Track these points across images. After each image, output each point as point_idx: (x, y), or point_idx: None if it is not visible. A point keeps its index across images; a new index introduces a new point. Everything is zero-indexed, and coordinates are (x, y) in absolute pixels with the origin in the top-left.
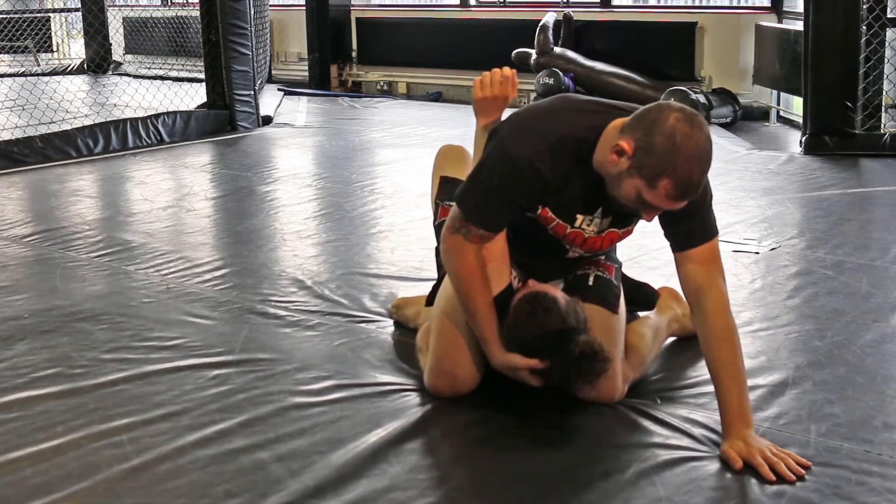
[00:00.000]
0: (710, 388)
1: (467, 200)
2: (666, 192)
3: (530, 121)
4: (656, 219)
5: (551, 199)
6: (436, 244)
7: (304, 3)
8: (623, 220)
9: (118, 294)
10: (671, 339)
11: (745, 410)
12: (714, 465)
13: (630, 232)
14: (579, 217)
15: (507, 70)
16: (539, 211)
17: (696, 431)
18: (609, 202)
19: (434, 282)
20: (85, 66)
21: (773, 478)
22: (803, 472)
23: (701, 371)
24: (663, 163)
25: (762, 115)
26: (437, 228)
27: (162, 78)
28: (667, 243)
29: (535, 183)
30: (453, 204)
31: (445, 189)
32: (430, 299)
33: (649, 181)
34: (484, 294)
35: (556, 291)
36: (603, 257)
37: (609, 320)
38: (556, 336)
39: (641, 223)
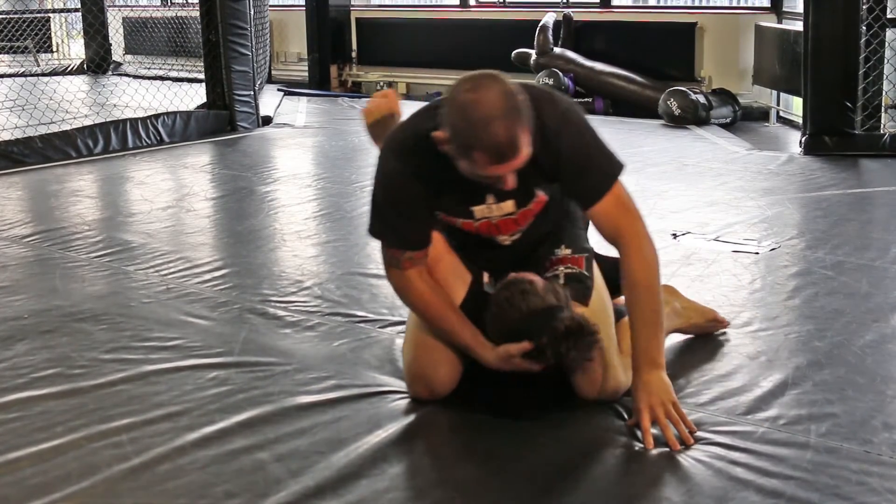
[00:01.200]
0: (712, 390)
1: (375, 228)
2: (484, 163)
3: (394, 133)
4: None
5: (439, 201)
6: None
7: (304, 3)
8: (524, 196)
9: (118, 294)
10: (683, 336)
11: (652, 353)
12: (714, 466)
13: (542, 201)
14: (475, 209)
15: (384, 91)
16: (440, 217)
17: (696, 430)
18: (494, 186)
19: None
20: (85, 66)
21: (651, 446)
22: (691, 440)
23: (702, 372)
24: (465, 137)
25: (762, 115)
26: None
27: (162, 78)
28: (666, 244)
29: (414, 190)
30: None
31: None
32: None
33: (469, 157)
34: (449, 309)
35: (532, 276)
36: (570, 251)
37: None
38: (539, 315)
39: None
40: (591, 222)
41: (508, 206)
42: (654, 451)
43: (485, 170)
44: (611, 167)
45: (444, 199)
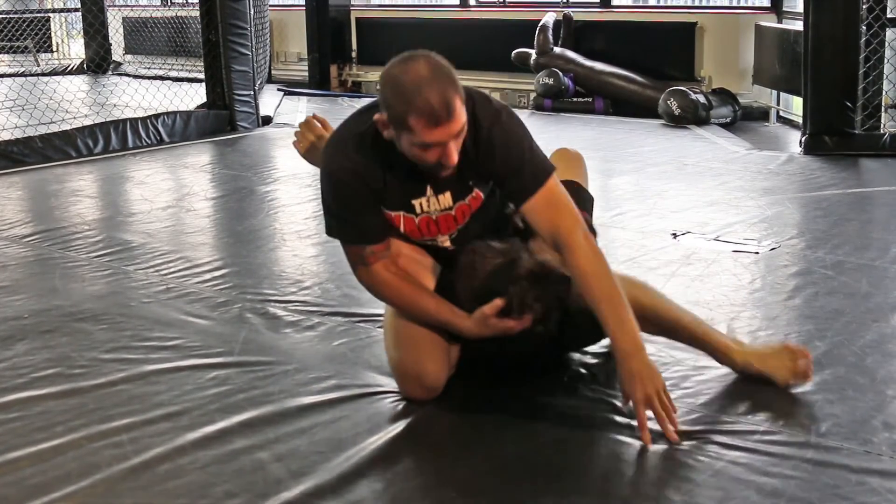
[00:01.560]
0: (712, 390)
1: (332, 228)
2: (422, 127)
3: (336, 132)
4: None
5: (381, 195)
6: None
7: (303, 3)
8: (461, 189)
9: (118, 294)
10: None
11: (627, 338)
12: (714, 466)
13: (479, 198)
14: (415, 202)
15: (305, 119)
16: (385, 215)
17: (696, 430)
18: (432, 178)
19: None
20: (85, 66)
21: (650, 443)
22: (675, 436)
23: (702, 372)
24: (400, 104)
25: (762, 115)
26: None
27: (162, 78)
28: (666, 244)
29: (358, 185)
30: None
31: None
32: None
33: (406, 128)
34: (422, 292)
35: (490, 241)
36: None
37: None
38: (502, 270)
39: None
40: (530, 222)
41: (446, 199)
42: (655, 452)
43: (423, 136)
44: (542, 166)
45: (387, 194)
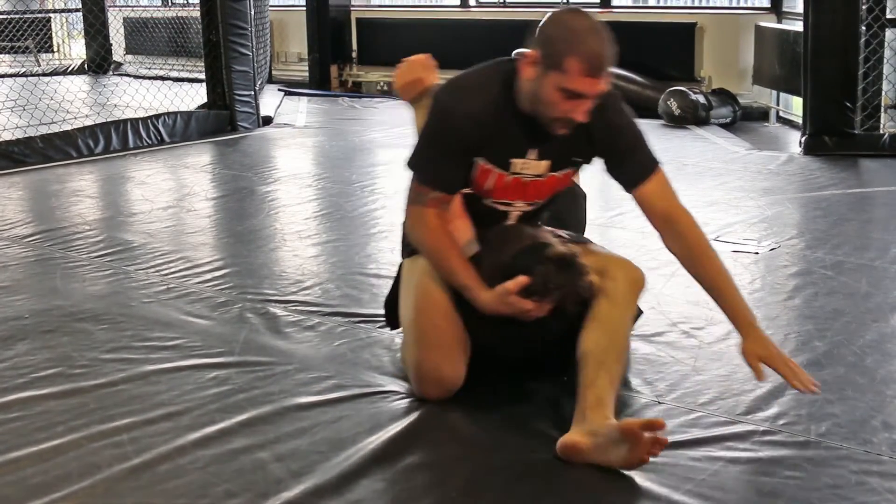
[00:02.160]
0: (712, 390)
1: (416, 161)
2: (578, 69)
3: (457, 77)
4: (602, 165)
5: (486, 145)
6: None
7: (304, 3)
8: (561, 161)
9: (118, 294)
10: (681, 336)
11: (747, 310)
12: (714, 466)
13: (569, 177)
14: (514, 161)
15: (419, 57)
16: (476, 169)
17: (696, 431)
18: (542, 141)
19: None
20: (85, 66)
21: (801, 388)
22: (814, 389)
23: (702, 372)
24: (563, 44)
25: (762, 115)
26: None
27: (162, 78)
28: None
29: (469, 127)
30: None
31: None
32: (388, 317)
33: (559, 68)
34: (454, 250)
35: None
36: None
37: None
38: (531, 250)
39: (595, 175)
40: (639, 205)
41: (543, 166)
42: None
43: (575, 80)
44: (653, 151)
45: (490, 145)
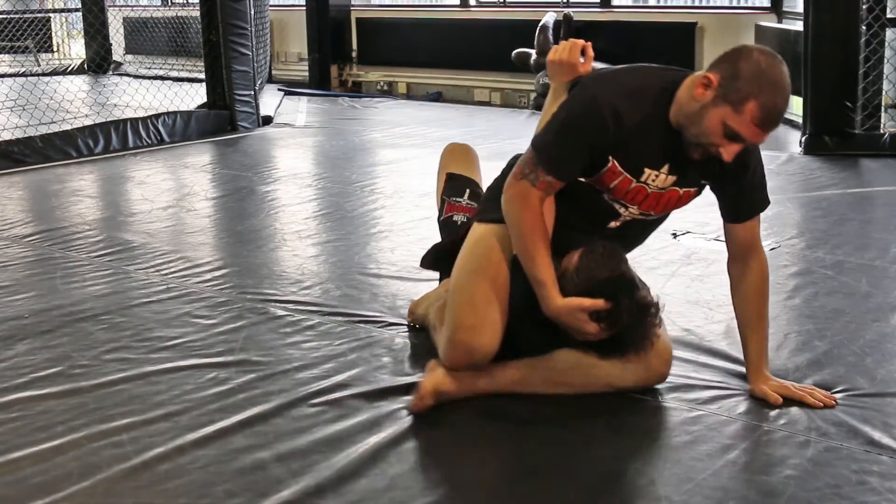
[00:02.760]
0: (713, 389)
1: (542, 143)
2: (752, 117)
3: (613, 71)
4: (710, 194)
5: (622, 147)
6: (440, 231)
7: (304, 3)
8: (688, 179)
9: (118, 294)
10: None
11: (765, 358)
12: (714, 466)
13: (687, 200)
14: (646, 171)
15: (574, 43)
16: (608, 165)
17: (696, 429)
18: (678, 157)
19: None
20: (85, 66)
21: (821, 405)
22: (832, 401)
23: (703, 371)
24: (750, 85)
25: None
26: (442, 225)
27: (162, 78)
28: (666, 244)
29: (611, 124)
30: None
31: (452, 186)
32: (436, 258)
33: (735, 105)
34: (544, 241)
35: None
36: None
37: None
38: (625, 282)
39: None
40: (728, 231)
41: (671, 180)
42: (654, 452)
43: (743, 124)
44: (768, 198)
45: (628, 149)
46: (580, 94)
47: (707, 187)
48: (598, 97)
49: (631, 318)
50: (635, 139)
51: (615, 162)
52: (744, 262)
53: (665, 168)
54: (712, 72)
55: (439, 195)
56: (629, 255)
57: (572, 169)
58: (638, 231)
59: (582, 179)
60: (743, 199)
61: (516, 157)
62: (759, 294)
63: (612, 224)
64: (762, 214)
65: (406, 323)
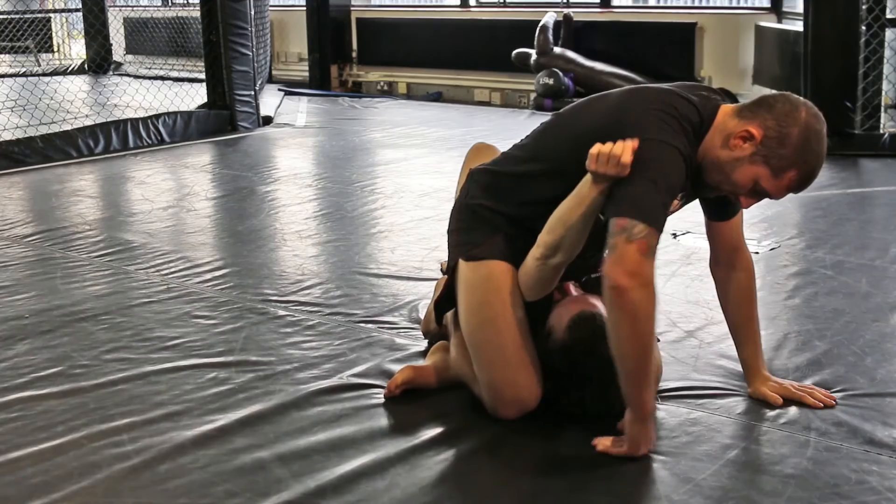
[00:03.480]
0: (713, 389)
1: (657, 208)
2: (789, 184)
3: (662, 107)
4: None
5: None
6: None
7: (304, 3)
8: (689, 196)
9: (119, 294)
10: (681, 336)
11: (761, 358)
12: (714, 465)
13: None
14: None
15: (619, 147)
16: None
17: (696, 430)
18: (691, 189)
19: (435, 293)
20: (85, 66)
21: (821, 405)
22: (832, 401)
23: (703, 372)
24: (796, 156)
25: None
26: None
27: (162, 78)
28: (666, 244)
29: (688, 169)
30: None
31: None
32: (438, 313)
33: (776, 171)
34: (651, 355)
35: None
36: None
37: None
38: (611, 364)
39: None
40: (710, 231)
41: (677, 204)
42: (653, 452)
43: (778, 189)
44: None
45: None
46: (662, 147)
47: None
48: (678, 146)
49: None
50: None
51: None
52: (729, 264)
53: (679, 196)
54: (754, 125)
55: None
56: None
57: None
58: None
59: None
60: (729, 204)
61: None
62: (749, 296)
63: None
64: (762, 214)
65: (406, 322)
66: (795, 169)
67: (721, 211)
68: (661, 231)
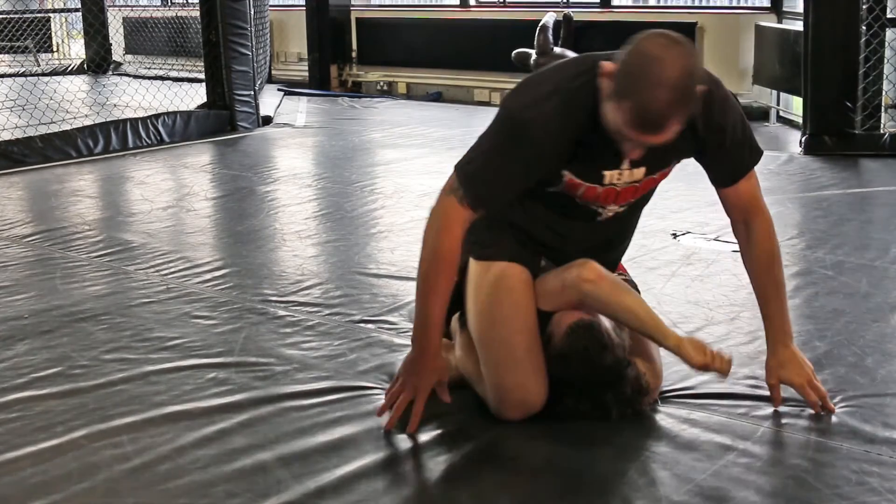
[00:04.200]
0: (711, 388)
1: (468, 170)
2: (624, 118)
3: (538, 79)
4: (695, 163)
5: (572, 161)
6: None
7: (304, 3)
8: (658, 163)
9: (118, 294)
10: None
11: (786, 326)
12: (714, 466)
13: (668, 174)
14: (607, 173)
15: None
16: (564, 179)
17: (696, 431)
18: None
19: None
20: (85, 66)
21: (818, 409)
22: (831, 410)
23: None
24: (629, 85)
25: (762, 115)
26: None
27: (162, 78)
28: (666, 244)
29: (540, 147)
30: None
31: None
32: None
33: (617, 104)
34: (443, 292)
35: (603, 319)
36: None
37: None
38: (608, 372)
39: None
40: (721, 200)
41: (640, 172)
42: (654, 452)
43: (624, 128)
44: (757, 146)
45: (577, 159)
46: (505, 116)
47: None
48: (525, 118)
49: (625, 405)
50: (580, 147)
51: (572, 175)
52: (746, 224)
53: (626, 164)
54: (615, 61)
55: None
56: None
57: (503, 201)
58: (625, 219)
59: (551, 189)
60: (729, 160)
61: None
62: (769, 259)
63: (599, 219)
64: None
65: (406, 322)
66: (628, 99)
67: (717, 176)
68: (475, 196)
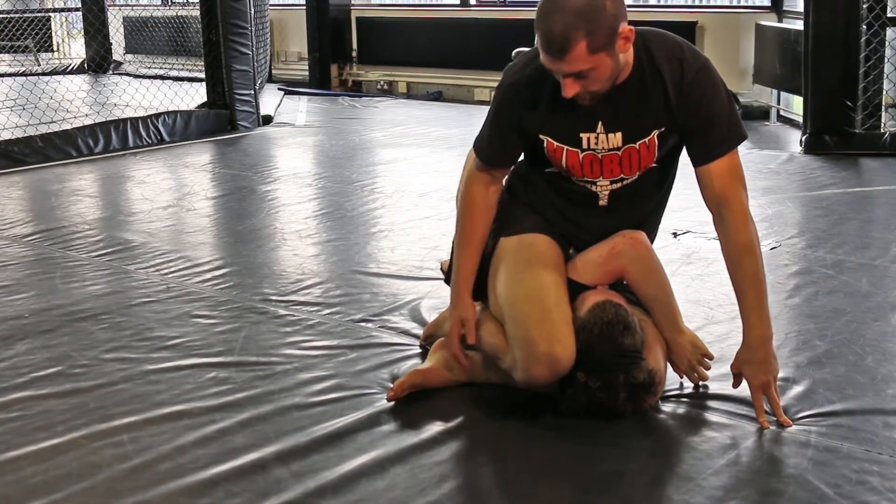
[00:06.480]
0: (712, 389)
1: (478, 137)
2: (542, 52)
3: (520, 57)
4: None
5: (549, 124)
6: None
7: (304, 2)
8: (636, 131)
9: (118, 293)
10: None
11: (763, 322)
12: (714, 465)
13: (653, 148)
14: (583, 136)
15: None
16: (545, 146)
17: (696, 429)
18: (606, 111)
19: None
20: (85, 65)
21: (763, 419)
22: (785, 423)
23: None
24: (537, 16)
25: (762, 114)
26: None
27: (162, 77)
28: (666, 243)
29: (519, 104)
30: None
31: None
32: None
33: (536, 39)
34: (474, 247)
35: (627, 304)
36: None
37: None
38: (625, 353)
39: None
40: (698, 183)
41: (616, 139)
42: (654, 452)
43: (544, 60)
44: (738, 129)
45: (553, 121)
46: (495, 95)
47: (678, 140)
48: (505, 82)
49: (633, 395)
50: (554, 108)
51: (550, 139)
52: (720, 216)
53: (600, 127)
54: None
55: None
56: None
57: (504, 156)
58: (630, 203)
59: (549, 170)
60: (703, 134)
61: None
62: (740, 252)
63: (601, 203)
64: (762, 213)
65: (406, 322)
66: (538, 30)
67: (693, 152)
68: (483, 156)
